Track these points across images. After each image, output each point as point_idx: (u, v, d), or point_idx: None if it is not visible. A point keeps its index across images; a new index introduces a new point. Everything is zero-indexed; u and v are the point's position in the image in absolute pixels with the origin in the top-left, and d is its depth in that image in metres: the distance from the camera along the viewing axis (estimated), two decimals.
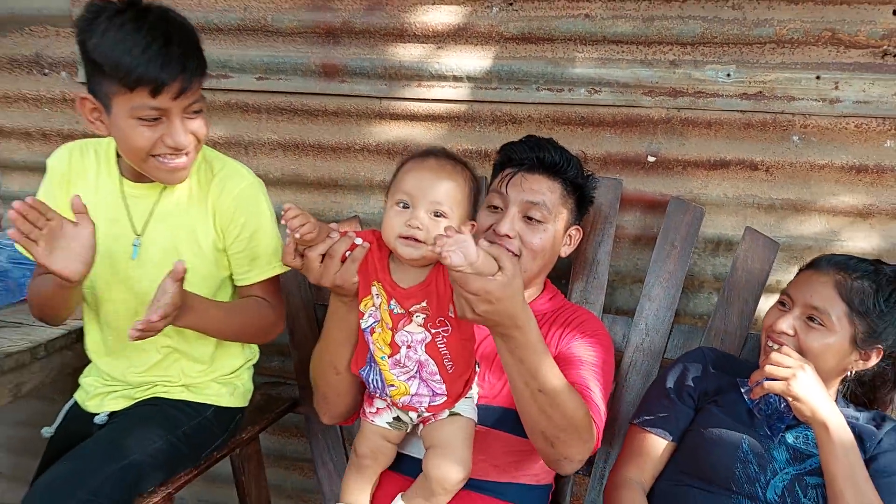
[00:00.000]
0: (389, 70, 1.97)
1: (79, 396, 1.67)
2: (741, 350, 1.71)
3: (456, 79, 1.95)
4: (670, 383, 1.57)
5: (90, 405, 1.62)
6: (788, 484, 1.37)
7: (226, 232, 1.53)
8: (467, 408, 1.36)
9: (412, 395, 1.30)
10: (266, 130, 2.07)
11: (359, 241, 1.28)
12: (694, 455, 1.47)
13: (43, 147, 2.23)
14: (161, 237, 1.50)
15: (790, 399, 1.30)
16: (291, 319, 1.88)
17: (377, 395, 1.36)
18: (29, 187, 2.26)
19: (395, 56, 1.96)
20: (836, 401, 1.47)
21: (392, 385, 1.31)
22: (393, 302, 1.25)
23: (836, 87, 1.77)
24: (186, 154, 1.43)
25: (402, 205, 1.25)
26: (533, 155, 1.58)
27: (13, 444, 2.46)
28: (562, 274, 1.90)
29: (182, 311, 1.33)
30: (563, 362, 1.46)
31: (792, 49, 1.78)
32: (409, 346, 1.26)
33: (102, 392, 1.62)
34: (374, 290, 1.28)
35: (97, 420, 1.58)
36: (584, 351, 1.50)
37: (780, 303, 1.48)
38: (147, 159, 1.40)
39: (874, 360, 1.42)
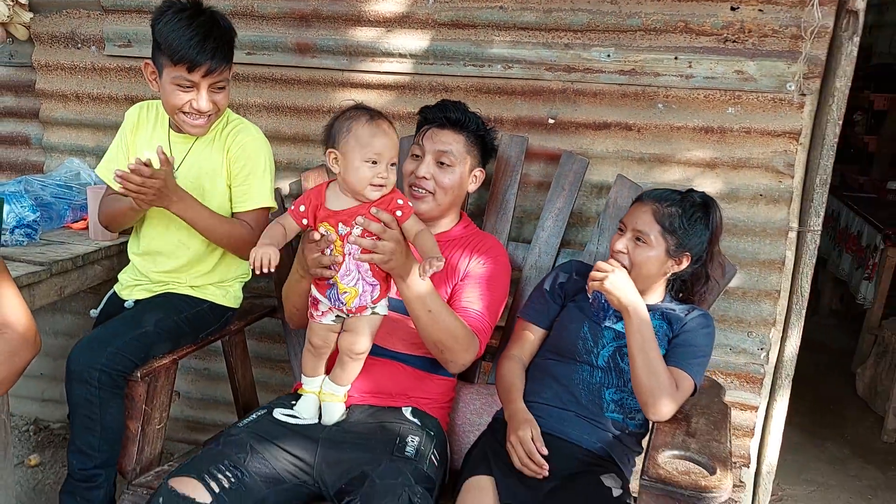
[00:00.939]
0: (349, 48, 2.49)
1: (116, 288, 2.28)
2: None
3: (401, 56, 2.47)
4: (546, 286, 2.10)
5: (123, 294, 2.23)
6: (612, 353, 1.93)
7: (231, 171, 2.12)
8: (383, 307, 1.86)
9: (360, 296, 1.79)
10: (253, 95, 2.61)
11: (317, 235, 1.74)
12: (555, 337, 2.02)
13: (76, 107, 2.78)
14: (190, 173, 2.08)
15: (605, 292, 1.83)
16: None
17: (333, 307, 1.81)
18: (65, 139, 2.82)
19: (353, 37, 2.49)
20: (663, 297, 2.00)
21: (345, 293, 1.78)
22: (340, 225, 1.76)
23: (690, 66, 2.28)
24: (206, 117, 2.04)
25: (371, 162, 1.72)
26: (442, 115, 2.10)
27: (53, 350, 3.01)
28: (480, 211, 2.44)
29: (167, 197, 1.92)
30: (465, 284, 2.02)
31: (656, 36, 2.28)
32: (350, 254, 1.78)
33: (132, 285, 2.23)
34: (322, 228, 1.75)
35: (126, 305, 2.18)
36: (481, 275, 2.02)
37: (619, 229, 2.00)
38: (178, 114, 2.03)
39: (685, 264, 1.95)
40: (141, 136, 2.19)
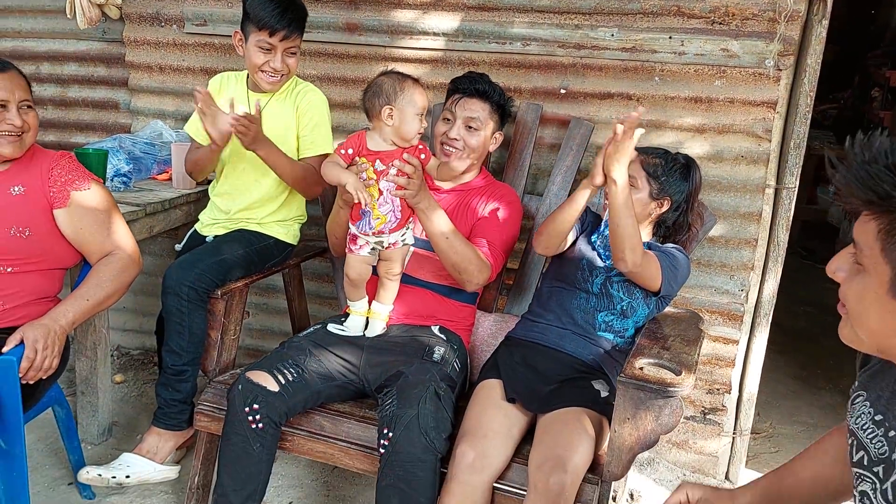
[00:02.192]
0: (391, 27, 2.90)
1: (197, 226, 2.75)
2: (604, 211, 2.64)
3: (435, 34, 2.87)
4: None
5: (203, 231, 2.70)
6: (603, 282, 2.34)
7: (301, 122, 2.58)
8: (409, 237, 2.29)
9: (387, 223, 2.24)
10: (309, 68, 3.04)
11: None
12: (560, 265, 2.42)
13: (160, 77, 3.23)
14: (266, 126, 2.48)
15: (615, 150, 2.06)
16: (324, 197, 2.86)
17: (362, 233, 2.24)
18: (150, 104, 3.27)
19: (395, 18, 2.89)
20: (651, 238, 2.40)
21: (377, 218, 2.23)
22: (378, 162, 2.19)
23: (683, 44, 2.64)
24: (279, 76, 2.49)
25: (420, 115, 2.16)
26: (471, 86, 2.51)
27: (135, 286, 3.49)
28: (500, 168, 2.85)
29: (259, 141, 2.36)
30: (481, 223, 2.43)
31: (653, 18, 2.65)
32: (387, 190, 2.21)
33: (210, 223, 2.70)
34: (360, 161, 2.18)
35: (207, 239, 2.65)
36: (495, 215, 2.44)
37: None
38: (257, 72, 2.50)
39: (666, 206, 2.33)
40: (224, 98, 2.61)
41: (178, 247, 2.77)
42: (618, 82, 2.74)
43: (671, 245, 2.37)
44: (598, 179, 2.12)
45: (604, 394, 2.18)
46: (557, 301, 2.38)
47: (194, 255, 2.45)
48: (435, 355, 2.25)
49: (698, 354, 2.17)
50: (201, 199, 2.91)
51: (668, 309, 2.44)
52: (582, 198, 2.20)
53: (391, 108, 2.16)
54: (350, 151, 2.19)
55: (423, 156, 2.22)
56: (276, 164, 2.47)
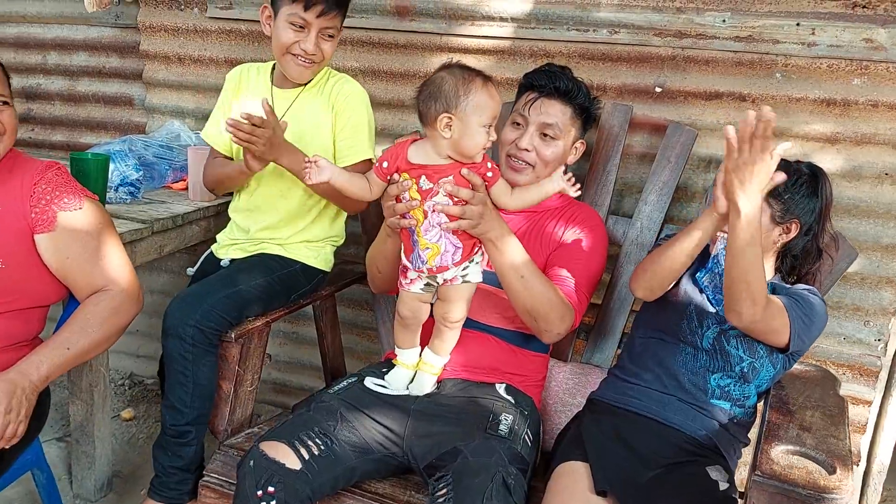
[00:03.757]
0: (449, 11, 2.43)
1: (213, 247, 2.31)
2: (713, 244, 2.12)
3: (502, 19, 2.39)
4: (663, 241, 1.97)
5: (219, 253, 2.26)
6: (717, 335, 1.82)
7: (337, 123, 2.14)
8: (475, 273, 1.80)
9: (441, 254, 1.76)
10: (349, 59, 2.58)
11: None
12: (658, 313, 1.91)
13: (178, 68, 2.81)
14: (293, 126, 2.05)
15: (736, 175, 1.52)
16: (364, 213, 2.39)
17: (415, 268, 1.77)
18: (167, 101, 2.86)
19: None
20: (772, 276, 1.88)
21: (427, 248, 1.75)
22: (423, 179, 1.73)
23: (813, 33, 2.12)
24: (311, 62, 2.07)
25: (488, 126, 1.68)
26: (550, 83, 2.01)
27: (149, 307, 3.05)
28: (580, 181, 2.34)
29: (278, 149, 1.95)
30: (560, 254, 1.95)
31: (776, 0, 2.13)
32: (433, 211, 1.73)
33: (228, 244, 2.26)
34: (400, 179, 1.70)
35: (222, 263, 2.21)
36: (577, 245, 1.96)
37: None
38: (285, 54, 2.07)
39: (794, 232, 1.83)
40: (244, 95, 2.21)
41: (190, 270, 2.33)
42: (729, 79, 2.23)
43: (802, 287, 1.85)
44: (724, 206, 1.61)
45: (723, 485, 1.67)
46: (656, 357, 1.88)
47: (203, 286, 2.00)
48: (501, 427, 1.76)
49: (849, 439, 1.65)
50: (223, 214, 2.46)
51: None
52: (702, 230, 1.70)
53: (450, 118, 1.68)
54: (386, 165, 1.72)
55: (489, 174, 1.72)
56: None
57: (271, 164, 2.02)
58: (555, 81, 2.00)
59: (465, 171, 1.69)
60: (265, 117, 1.89)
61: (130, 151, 2.52)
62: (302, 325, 2.88)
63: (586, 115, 2.05)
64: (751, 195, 1.52)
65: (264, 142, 1.90)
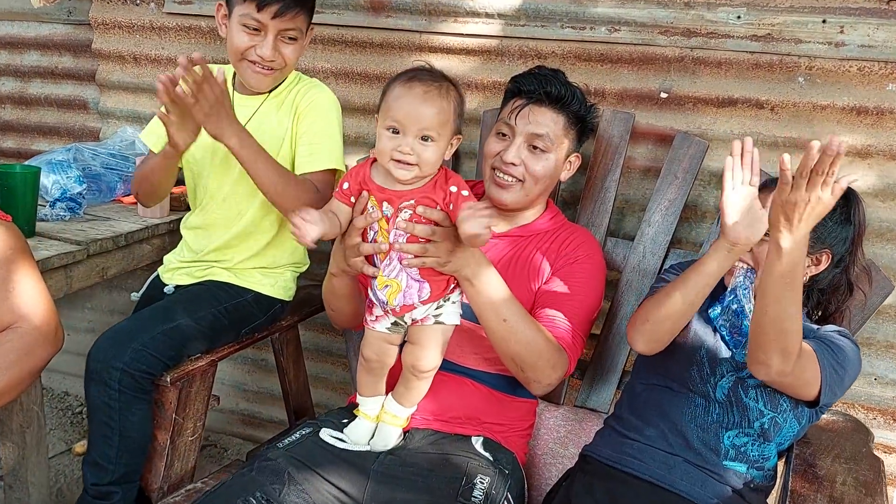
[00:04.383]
0: (429, 6, 2.16)
1: (160, 270, 2.05)
2: (729, 274, 1.86)
3: (488, 15, 2.12)
4: (666, 277, 1.71)
5: (165, 277, 2.00)
6: (732, 385, 1.55)
7: (298, 128, 1.87)
8: (451, 314, 1.53)
9: (403, 291, 1.46)
10: (320, 59, 2.32)
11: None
12: (663, 357, 1.64)
13: (134, 69, 2.55)
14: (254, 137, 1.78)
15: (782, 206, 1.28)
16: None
17: (378, 305, 1.51)
18: (122, 105, 2.60)
19: None
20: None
21: (386, 286, 1.46)
22: (385, 205, 1.46)
23: (842, 31, 1.85)
24: (270, 69, 1.82)
25: (391, 130, 1.41)
26: (540, 88, 1.74)
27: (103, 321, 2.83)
28: (574, 199, 2.08)
29: (225, 122, 1.66)
30: (551, 288, 1.70)
31: None
32: (393, 242, 1.46)
33: (175, 268, 2.00)
34: (369, 202, 1.44)
35: (166, 290, 1.95)
36: (571, 277, 1.70)
37: None
38: (241, 61, 1.83)
39: (825, 265, 1.57)
40: None
41: (135, 296, 2.06)
42: (744, 83, 1.96)
43: (831, 328, 1.58)
44: (738, 236, 1.36)
45: None
46: (660, 408, 1.61)
47: (135, 321, 1.74)
48: (476, 493, 1.49)
49: None
50: (177, 231, 2.20)
51: None
52: (716, 264, 1.44)
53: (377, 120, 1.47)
54: (347, 186, 1.46)
55: (450, 206, 1.44)
56: (256, 164, 1.73)
57: (236, 171, 1.77)
58: (545, 86, 1.73)
59: (420, 208, 1.42)
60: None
61: (75, 161, 2.28)
62: (271, 352, 2.60)
63: (582, 124, 1.79)
64: (797, 233, 1.28)
65: (211, 103, 1.61)
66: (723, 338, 1.60)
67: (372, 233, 1.46)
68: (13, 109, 2.85)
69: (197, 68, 1.58)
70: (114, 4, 2.52)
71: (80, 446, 2.71)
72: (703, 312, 1.63)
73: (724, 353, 1.59)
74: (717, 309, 1.62)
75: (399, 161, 1.41)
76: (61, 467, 2.56)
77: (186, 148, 1.73)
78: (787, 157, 1.24)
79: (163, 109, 1.68)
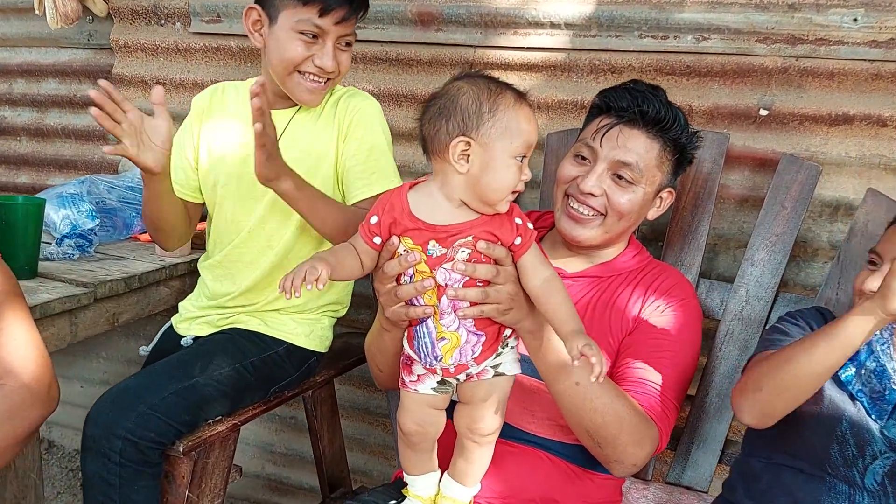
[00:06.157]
0: (485, 17, 1.91)
1: (174, 319, 1.77)
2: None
3: (553, 26, 1.86)
4: (784, 328, 1.40)
5: (181, 328, 1.73)
6: (888, 470, 1.21)
7: (347, 144, 1.61)
8: (511, 362, 1.25)
9: (460, 347, 1.19)
10: (361, 80, 2.07)
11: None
12: (791, 433, 1.32)
13: None
14: (288, 155, 1.48)
15: None
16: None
17: (425, 365, 1.23)
18: None
19: (490, 2, 1.90)
20: None
21: (443, 339, 1.19)
22: (432, 244, 1.17)
23: None
24: (327, 80, 1.58)
25: (520, 157, 1.16)
26: (635, 107, 1.44)
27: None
28: (656, 235, 1.79)
29: (278, 167, 1.39)
30: (637, 341, 1.40)
31: None
32: (446, 287, 1.17)
33: (192, 316, 1.73)
34: (400, 245, 1.17)
35: (183, 342, 1.68)
36: (661, 329, 1.40)
37: (870, 262, 1.30)
38: (293, 74, 1.56)
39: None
40: (217, 118, 1.70)
41: (144, 350, 1.79)
42: (862, 97, 1.69)
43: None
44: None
45: None
46: (790, 496, 1.28)
47: (145, 377, 1.46)
48: None
49: None
50: (196, 273, 1.94)
51: None
52: (859, 330, 1.13)
53: (468, 143, 1.14)
54: (375, 221, 1.19)
55: (517, 240, 1.17)
56: (311, 208, 1.48)
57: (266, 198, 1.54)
58: (641, 104, 1.44)
59: (481, 244, 1.15)
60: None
61: (88, 194, 2.05)
62: (302, 408, 2.32)
63: (680, 155, 1.49)
64: None
65: (270, 148, 1.35)
66: (864, 408, 1.28)
67: (407, 278, 1.18)
68: (29, 142, 2.65)
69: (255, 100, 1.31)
70: (136, 25, 2.31)
71: None
72: (834, 375, 1.31)
73: (872, 426, 1.26)
74: (851, 370, 1.29)
75: (518, 193, 1.18)
76: None
77: (163, 168, 1.47)
78: None
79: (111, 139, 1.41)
